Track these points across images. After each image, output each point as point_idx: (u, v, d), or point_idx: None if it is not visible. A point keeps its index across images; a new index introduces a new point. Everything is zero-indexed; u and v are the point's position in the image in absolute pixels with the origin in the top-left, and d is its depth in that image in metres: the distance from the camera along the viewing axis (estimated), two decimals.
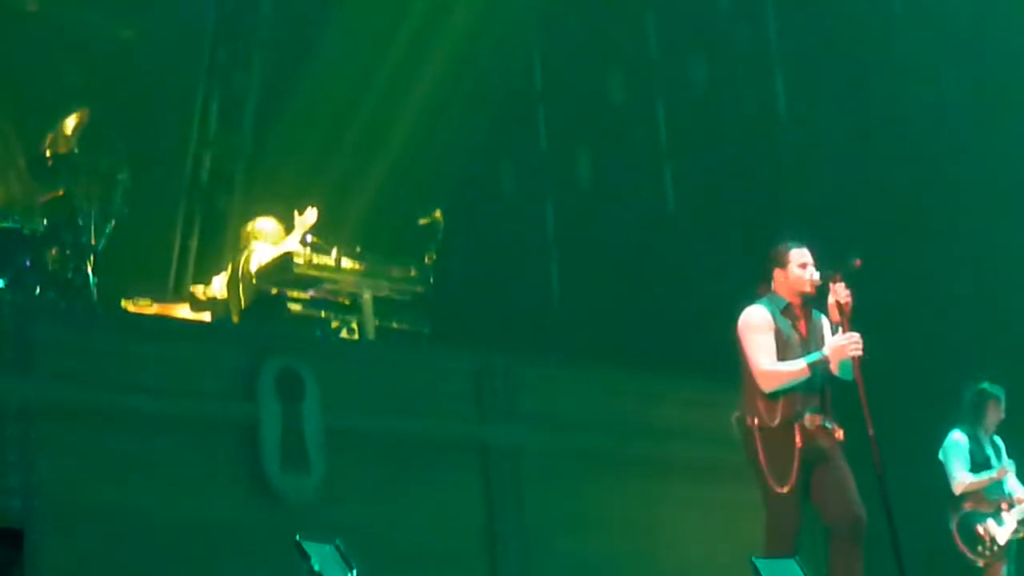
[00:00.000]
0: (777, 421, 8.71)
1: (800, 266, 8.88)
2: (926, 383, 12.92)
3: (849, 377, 8.76)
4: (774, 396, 8.72)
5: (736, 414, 8.94)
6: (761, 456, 8.74)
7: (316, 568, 8.56)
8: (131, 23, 14.17)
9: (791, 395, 8.72)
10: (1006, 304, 13.47)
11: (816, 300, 8.87)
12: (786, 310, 8.89)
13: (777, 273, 8.93)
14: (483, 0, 15.39)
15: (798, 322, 8.88)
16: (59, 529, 9.47)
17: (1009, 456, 11.88)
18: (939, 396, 12.31)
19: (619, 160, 15.88)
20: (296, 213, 12.71)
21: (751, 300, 8.97)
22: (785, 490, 8.67)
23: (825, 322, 8.99)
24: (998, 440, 11.97)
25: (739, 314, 8.93)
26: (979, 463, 11.78)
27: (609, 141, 15.94)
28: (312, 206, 12.70)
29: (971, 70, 14.08)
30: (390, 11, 15.34)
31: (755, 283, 9.10)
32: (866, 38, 14.65)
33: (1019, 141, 13.62)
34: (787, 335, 8.82)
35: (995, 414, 11.95)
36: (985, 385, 11.99)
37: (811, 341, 8.88)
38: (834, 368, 8.77)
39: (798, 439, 8.69)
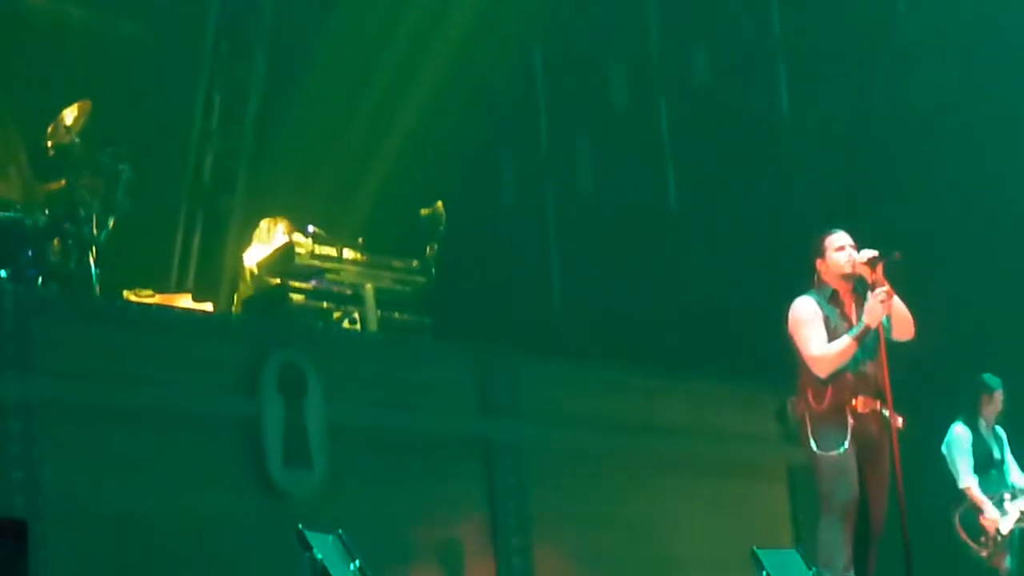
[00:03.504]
0: (825, 405, 8.74)
1: (837, 249, 8.91)
2: (935, 377, 12.86)
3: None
4: (824, 383, 8.75)
5: (790, 399, 9.01)
6: (810, 432, 8.77)
7: (319, 557, 8.53)
8: (133, 16, 14.11)
9: (840, 380, 8.75)
10: (1016, 297, 13.40)
11: (866, 284, 8.85)
12: (832, 298, 8.93)
13: (819, 263, 8.97)
14: None
15: (845, 308, 8.90)
16: (62, 525, 9.41)
17: (1013, 449, 11.85)
18: (948, 389, 12.25)
19: (621, 157, 15.84)
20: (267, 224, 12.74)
21: (796, 293, 9.00)
22: (837, 453, 8.66)
23: None
24: (1000, 431, 11.94)
25: (787, 309, 8.97)
26: (981, 456, 11.76)
27: (610, 138, 15.90)
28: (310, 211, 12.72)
29: (975, 66, 14.04)
30: (392, 7, 15.30)
31: (760, 280, 9.11)
32: (870, 34, 14.62)
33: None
34: (835, 322, 8.85)
35: (993, 406, 11.92)
36: (984, 377, 11.97)
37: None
38: (882, 328, 8.75)
39: (850, 419, 8.71)
